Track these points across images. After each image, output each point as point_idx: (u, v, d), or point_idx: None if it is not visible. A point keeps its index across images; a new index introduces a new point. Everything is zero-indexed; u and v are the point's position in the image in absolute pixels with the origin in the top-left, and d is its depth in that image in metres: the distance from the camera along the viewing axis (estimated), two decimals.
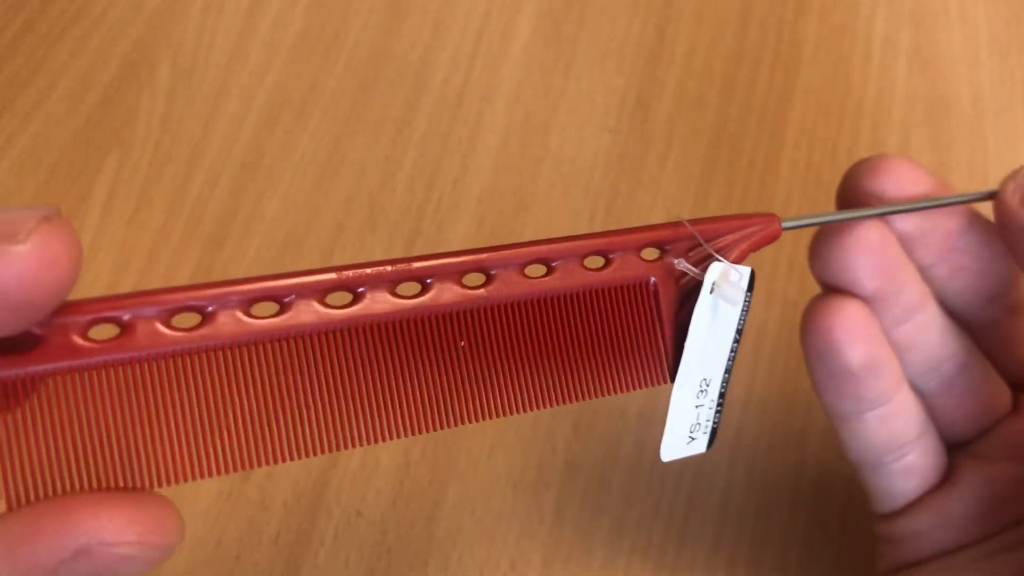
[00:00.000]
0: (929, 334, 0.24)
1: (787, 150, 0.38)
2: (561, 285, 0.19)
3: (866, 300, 0.22)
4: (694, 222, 0.20)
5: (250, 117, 0.39)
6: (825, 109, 0.39)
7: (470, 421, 0.18)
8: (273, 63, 0.40)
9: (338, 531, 0.30)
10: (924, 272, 0.23)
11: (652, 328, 0.20)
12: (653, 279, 0.19)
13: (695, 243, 0.20)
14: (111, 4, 0.42)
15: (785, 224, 0.21)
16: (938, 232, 0.23)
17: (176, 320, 0.17)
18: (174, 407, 0.16)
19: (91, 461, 0.16)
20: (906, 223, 0.23)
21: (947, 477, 0.25)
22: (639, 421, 0.32)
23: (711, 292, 0.20)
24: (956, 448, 0.25)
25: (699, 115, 0.39)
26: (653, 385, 0.20)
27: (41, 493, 0.15)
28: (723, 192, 0.37)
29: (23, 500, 0.15)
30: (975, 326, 0.25)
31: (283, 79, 0.40)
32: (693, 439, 0.21)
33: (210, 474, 0.17)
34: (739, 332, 0.21)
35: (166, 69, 0.40)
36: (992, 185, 0.23)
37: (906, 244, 0.23)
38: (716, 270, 0.20)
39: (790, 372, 0.33)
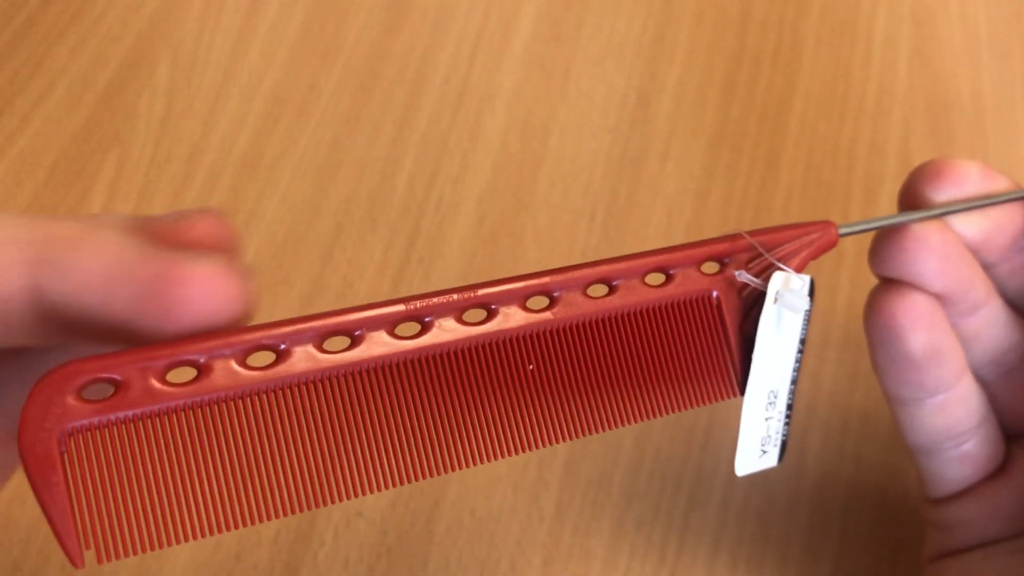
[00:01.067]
0: (993, 327, 0.23)
1: (787, 150, 0.38)
2: (624, 303, 0.19)
3: (935, 296, 0.22)
4: (753, 233, 0.20)
5: (250, 117, 0.39)
6: (825, 109, 0.39)
7: (544, 445, 0.18)
8: (273, 63, 0.40)
9: (338, 531, 0.30)
10: (987, 269, 0.23)
11: (718, 341, 0.20)
12: (715, 292, 0.20)
13: (754, 255, 0.20)
14: (110, 4, 0.42)
15: (842, 231, 0.21)
16: (1004, 235, 0.23)
17: (252, 359, 0.17)
18: (252, 446, 0.17)
19: (173, 503, 0.16)
20: (972, 230, 0.22)
21: (1003, 468, 0.25)
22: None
23: (774, 302, 0.20)
24: (1015, 439, 0.25)
25: (699, 115, 0.39)
26: (724, 399, 0.20)
27: (120, 537, 0.16)
28: (723, 192, 0.37)
29: (104, 542, 0.16)
30: None
31: (283, 79, 0.40)
32: (765, 452, 0.21)
33: (293, 511, 0.17)
34: (802, 342, 0.21)
35: (166, 69, 0.40)
36: None
37: (974, 246, 0.23)
38: (779, 279, 0.20)
39: None
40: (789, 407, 0.21)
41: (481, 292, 0.18)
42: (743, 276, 0.20)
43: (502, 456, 0.18)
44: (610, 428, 0.18)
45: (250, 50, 0.41)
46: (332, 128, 0.39)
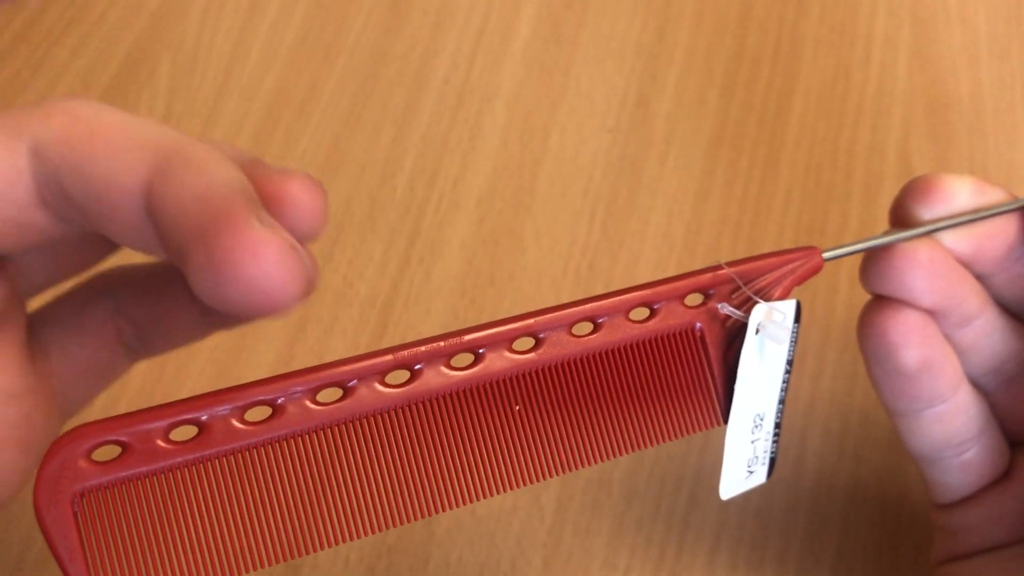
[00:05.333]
0: (990, 337, 0.24)
1: (787, 150, 0.38)
2: (608, 340, 0.19)
3: (926, 311, 0.23)
4: (733, 264, 0.20)
5: (250, 117, 0.39)
6: (825, 109, 0.39)
7: (533, 482, 0.19)
8: (273, 63, 0.40)
9: None
10: (983, 280, 0.24)
11: (702, 372, 0.20)
12: (699, 325, 0.20)
13: (737, 285, 0.20)
14: (111, 4, 0.42)
15: (826, 255, 0.21)
16: (995, 247, 0.23)
17: (248, 415, 0.17)
18: (251, 496, 0.17)
19: (178, 551, 0.17)
20: (961, 244, 0.22)
21: (1007, 474, 0.25)
22: None
23: (756, 332, 0.20)
24: (1019, 446, 0.25)
25: (699, 115, 0.39)
26: (707, 428, 0.20)
27: None
28: (723, 192, 0.37)
29: None
30: None
31: (283, 79, 0.40)
32: (752, 472, 0.21)
33: (288, 558, 0.18)
34: (789, 363, 0.21)
35: (166, 69, 0.40)
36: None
37: (965, 260, 0.23)
38: (760, 311, 0.20)
39: (790, 372, 0.33)
40: (777, 425, 0.21)
41: (467, 338, 0.18)
42: (725, 308, 0.20)
43: (493, 494, 0.18)
44: (597, 462, 0.19)
45: (250, 50, 0.41)
46: (332, 128, 0.39)
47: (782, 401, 0.21)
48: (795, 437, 0.32)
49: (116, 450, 0.17)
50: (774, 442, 0.21)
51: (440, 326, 0.34)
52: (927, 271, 0.22)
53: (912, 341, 0.22)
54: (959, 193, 0.22)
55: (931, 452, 0.24)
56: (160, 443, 0.17)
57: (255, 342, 0.34)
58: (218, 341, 0.34)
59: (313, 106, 0.39)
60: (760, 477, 0.22)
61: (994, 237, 0.23)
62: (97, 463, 0.17)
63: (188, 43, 0.41)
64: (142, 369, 0.34)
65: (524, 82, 0.40)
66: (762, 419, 0.21)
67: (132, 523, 0.17)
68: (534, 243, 0.36)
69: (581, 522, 0.30)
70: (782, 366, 0.21)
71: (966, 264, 0.23)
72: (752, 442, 0.21)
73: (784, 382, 0.21)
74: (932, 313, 0.23)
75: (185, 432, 0.17)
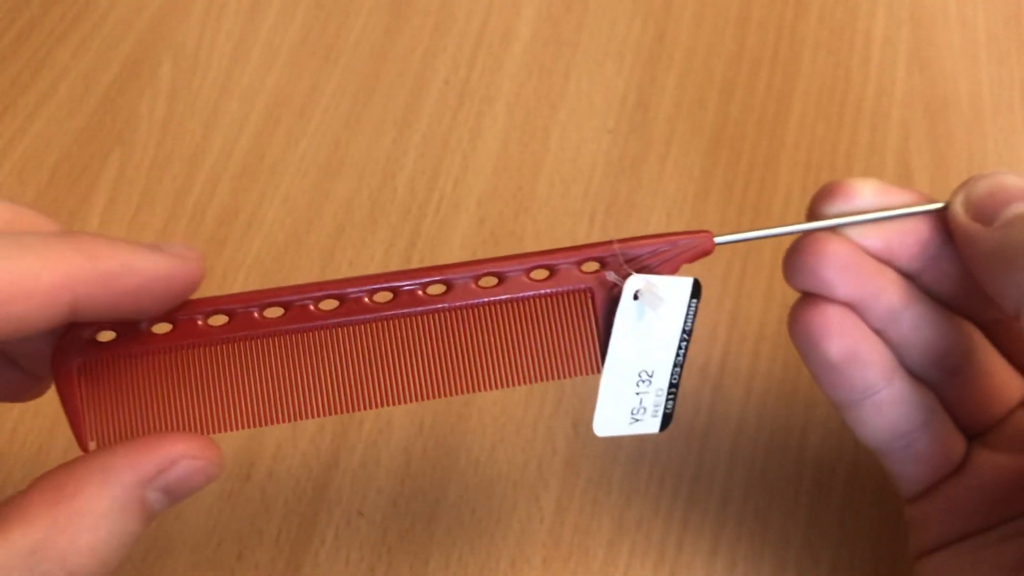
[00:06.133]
0: (922, 330, 0.24)
1: (786, 151, 0.38)
2: (508, 292, 0.23)
3: (843, 304, 0.24)
4: (627, 240, 0.23)
5: (251, 118, 0.39)
6: (824, 110, 0.39)
7: (440, 396, 0.23)
8: (274, 64, 0.41)
9: (339, 530, 0.31)
10: (913, 277, 0.24)
11: (588, 327, 0.23)
12: (590, 288, 0.23)
13: (630, 258, 0.23)
14: (112, 6, 0.42)
15: (718, 240, 0.24)
16: (910, 244, 0.24)
17: (267, 312, 0.22)
18: (260, 368, 0.22)
19: (193, 407, 0.22)
20: (870, 240, 0.24)
21: (960, 466, 0.25)
22: None
23: (635, 299, 0.23)
24: (975, 438, 0.26)
25: (699, 116, 0.39)
26: (587, 374, 0.23)
27: (156, 428, 0.22)
28: (723, 193, 0.37)
29: (103, 436, 0.22)
30: (979, 322, 0.25)
31: (284, 80, 0.40)
32: (638, 420, 0.24)
33: (268, 423, 0.22)
34: (687, 332, 0.24)
35: (167, 70, 0.40)
36: None
37: (880, 256, 0.24)
38: (636, 281, 0.23)
39: (789, 371, 0.33)
40: (673, 385, 0.24)
41: (391, 282, 0.23)
42: (611, 276, 0.23)
43: (409, 400, 0.23)
44: (495, 388, 0.23)
45: (251, 52, 0.41)
46: (333, 129, 0.39)
47: (679, 365, 0.24)
48: (794, 436, 0.32)
49: (111, 334, 0.22)
50: (669, 399, 0.24)
51: None
52: (835, 263, 0.23)
53: (833, 332, 0.23)
54: (862, 192, 0.23)
55: (880, 443, 0.25)
56: (201, 323, 0.22)
57: None
58: None
59: (314, 107, 0.39)
60: (650, 427, 0.24)
61: (905, 234, 0.24)
62: (97, 342, 0.22)
63: (189, 44, 0.41)
64: None
65: (524, 83, 0.40)
66: (651, 375, 0.24)
67: (119, 386, 0.22)
68: (534, 243, 0.36)
69: (581, 521, 0.31)
70: (678, 332, 0.23)
71: (883, 259, 0.24)
72: (637, 394, 0.24)
73: (680, 347, 0.24)
74: (852, 306, 0.24)
75: (163, 327, 0.22)
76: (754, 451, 0.32)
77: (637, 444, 0.32)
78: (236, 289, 0.35)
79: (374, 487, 0.31)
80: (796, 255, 0.24)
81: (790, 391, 0.33)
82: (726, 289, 0.35)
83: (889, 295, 0.24)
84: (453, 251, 0.36)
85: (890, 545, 0.30)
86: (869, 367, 0.24)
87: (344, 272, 0.35)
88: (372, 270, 0.35)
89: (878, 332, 0.24)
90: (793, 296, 0.34)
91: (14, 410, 0.33)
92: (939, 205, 0.24)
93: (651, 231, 0.36)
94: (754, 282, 0.35)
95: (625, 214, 0.36)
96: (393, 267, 0.35)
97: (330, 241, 0.36)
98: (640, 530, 0.30)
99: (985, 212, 0.22)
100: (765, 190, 0.37)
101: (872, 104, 0.39)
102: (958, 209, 0.23)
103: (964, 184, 0.23)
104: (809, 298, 0.24)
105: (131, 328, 0.22)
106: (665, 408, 0.24)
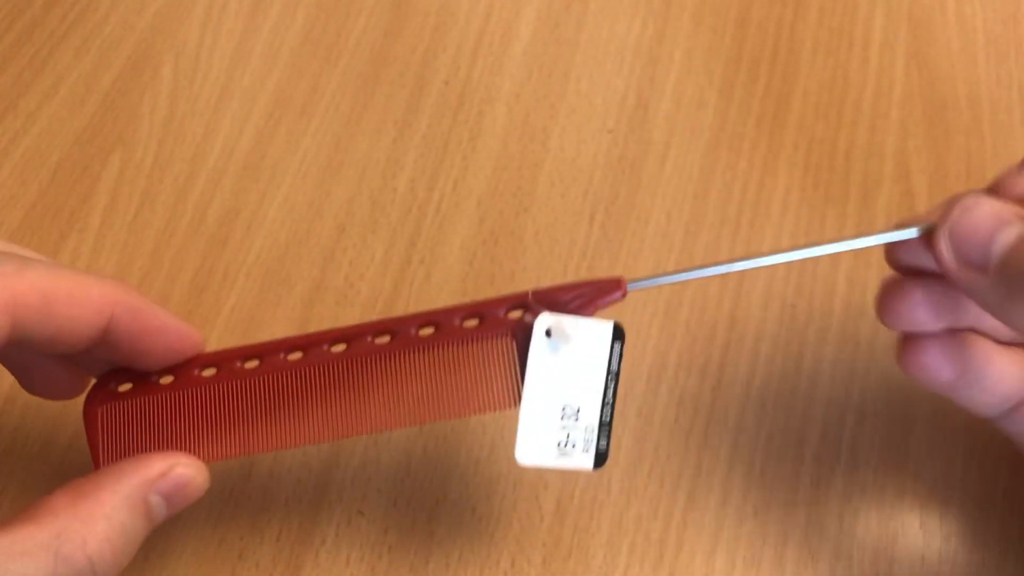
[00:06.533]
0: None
1: (785, 151, 0.38)
2: (443, 338, 0.26)
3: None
4: (543, 290, 0.25)
5: (252, 118, 0.39)
6: (823, 111, 0.39)
7: (380, 430, 0.26)
8: (275, 65, 0.41)
9: (339, 530, 0.31)
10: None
11: (510, 365, 0.25)
12: (513, 332, 0.25)
13: (552, 304, 0.25)
14: (114, 6, 0.42)
15: (630, 286, 0.25)
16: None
17: (247, 364, 0.26)
18: (239, 407, 0.26)
19: (188, 437, 0.26)
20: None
21: None
22: (638, 420, 0.32)
23: (548, 335, 0.25)
24: None
25: (698, 117, 0.39)
26: (507, 408, 0.25)
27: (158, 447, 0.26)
28: (722, 193, 0.37)
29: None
30: None
31: (284, 81, 0.40)
32: (566, 454, 0.26)
33: (261, 451, 0.26)
34: (613, 373, 0.26)
35: (168, 71, 0.41)
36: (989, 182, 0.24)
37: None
38: (545, 319, 0.25)
39: (787, 371, 0.33)
40: (606, 423, 0.26)
41: (339, 329, 0.26)
42: (527, 318, 0.25)
43: (358, 433, 0.26)
44: (430, 422, 0.25)
45: (252, 52, 0.41)
46: (333, 129, 0.39)
47: (609, 404, 0.26)
48: (793, 436, 0.32)
49: (129, 385, 0.27)
50: (602, 437, 0.26)
51: None
52: (920, 303, 0.25)
53: (939, 365, 0.25)
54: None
55: (997, 413, 0.26)
56: (153, 382, 0.26)
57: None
58: (222, 342, 0.34)
59: (314, 107, 0.39)
60: (581, 463, 0.26)
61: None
62: (119, 392, 0.26)
63: (190, 45, 0.41)
64: None
65: (524, 83, 0.40)
66: (577, 411, 0.26)
67: (131, 423, 0.26)
68: (534, 243, 0.36)
69: (580, 521, 0.31)
70: (602, 372, 0.26)
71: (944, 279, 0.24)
72: (563, 428, 0.25)
73: (607, 388, 0.26)
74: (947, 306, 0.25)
75: (167, 378, 0.26)
76: (753, 451, 0.32)
77: (636, 444, 0.32)
78: (237, 289, 0.35)
79: (374, 486, 0.31)
80: (883, 307, 0.26)
81: (788, 391, 0.33)
82: (725, 289, 0.35)
83: (966, 311, 0.25)
84: (453, 251, 0.36)
85: (889, 545, 0.30)
86: (975, 378, 0.26)
87: (345, 272, 0.35)
88: (373, 269, 0.36)
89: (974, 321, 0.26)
90: (795, 295, 0.35)
91: (16, 409, 0.33)
92: (914, 233, 0.24)
93: (651, 231, 0.36)
94: (752, 282, 0.35)
95: (625, 214, 0.37)
96: (394, 267, 0.36)
97: (331, 241, 0.36)
98: (639, 530, 0.31)
99: (974, 255, 0.22)
100: (764, 190, 0.37)
101: (871, 105, 0.39)
102: (946, 255, 0.23)
103: (944, 217, 0.23)
104: (906, 338, 0.26)
105: (144, 379, 0.26)
106: (598, 446, 0.26)
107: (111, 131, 0.39)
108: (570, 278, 0.35)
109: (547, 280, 0.35)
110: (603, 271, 0.35)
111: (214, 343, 0.34)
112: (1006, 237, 0.21)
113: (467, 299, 0.27)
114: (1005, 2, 0.42)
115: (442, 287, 0.35)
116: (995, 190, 0.24)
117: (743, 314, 0.34)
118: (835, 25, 0.42)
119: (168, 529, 0.31)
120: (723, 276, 0.35)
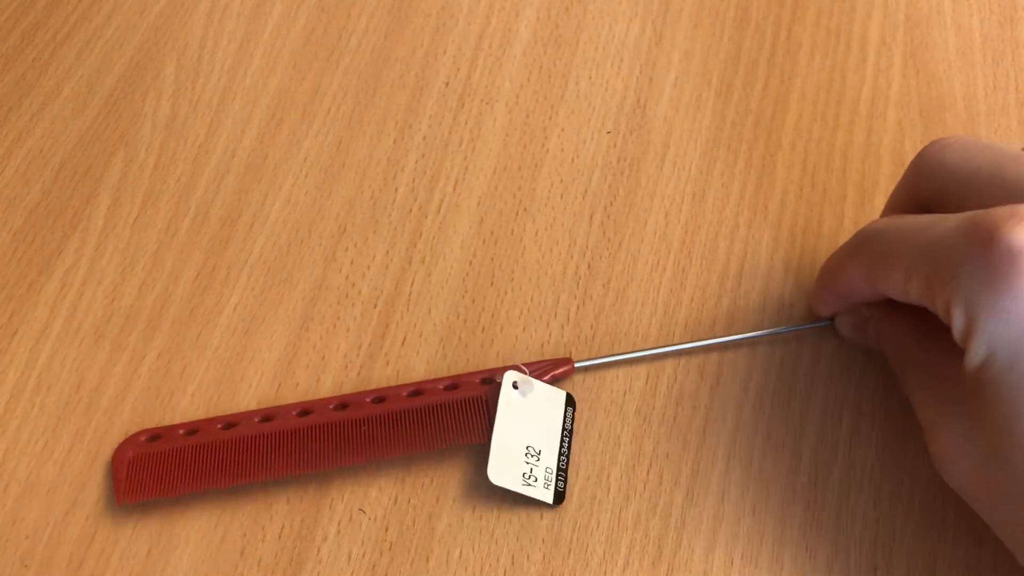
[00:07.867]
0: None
1: (783, 152, 0.38)
2: (428, 401, 0.32)
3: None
4: (512, 367, 0.33)
5: (254, 119, 0.39)
6: (821, 111, 0.39)
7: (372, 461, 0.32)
8: (276, 66, 0.41)
9: (340, 527, 0.31)
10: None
11: (483, 417, 0.32)
12: (486, 394, 0.32)
13: (518, 370, 0.32)
14: (116, 7, 0.42)
15: (577, 364, 0.33)
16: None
17: (224, 428, 0.32)
18: (213, 463, 0.32)
19: (196, 474, 0.32)
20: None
21: None
22: (637, 418, 0.33)
23: (514, 388, 0.32)
24: None
25: (696, 117, 0.39)
26: (479, 442, 0.31)
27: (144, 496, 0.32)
28: (720, 194, 0.37)
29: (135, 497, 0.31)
30: None
31: (286, 82, 0.40)
32: (530, 484, 0.31)
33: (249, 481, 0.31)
34: (567, 431, 0.32)
35: (171, 72, 0.41)
36: None
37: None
38: (509, 376, 0.32)
39: (786, 371, 0.33)
40: (562, 470, 0.31)
41: (342, 397, 0.33)
42: (498, 378, 0.32)
43: (354, 464, 0.32)
44: (417, 453, 0.32)
45: (254, 53, 0.41)
46: (335, 130, 0.39)
47: (564, 455, 0.31)
48: (791, 434, 0.32)
49: (157, 436, 0.32)
50: (559, 480, 0.31)
51: (441, 325, 0.34)
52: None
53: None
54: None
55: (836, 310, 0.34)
56: (180, 433, 0.32)
57: (259, 342, 0.34)
58: (224, 341, 0.34)
59: (316, 108, 0.40)
60: (543, 496, 0.31)
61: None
62: (147, 443, 0.32)
63: (192, 46, 0.41)
64: (149, 366, 0.34)
65: (524, 84, 0.40)
66: (538, 453, 0.31)
67: (154, 469, 0.32)
68: (534, 243, 0.36)
69: (580, 518, 0.31)
70: (559, 427, 0.32)
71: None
72: (527, 463, 0.31)
73: (562, 441, 0.32)
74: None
75: (189, 430, 0.32)
76: (751, 449, 0.32)
77: (635, 442, 0.32)
78: (239, 288, 0.35)
79: (376, 484, 0.32)
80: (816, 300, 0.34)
81: (787, 390, 0.33)
82: (723, 289, 0.35)
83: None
84: (453, 251, 0.36)
85: (888, 543, 0.30)
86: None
87: (346, 272, 0.36)
88: (374, 269, 0.36)
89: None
90: (793, 294, 0.35)
91: (18, 409, 0.33)
92: (824, 322, 0.33)
93: (649, 231, 0.36)
94: (751, 282, 0.35)
95: (624, 214, 0.37)
96: (394, 267, 0.36)
97: (332, 241, 0.36)
98: (638, 527, 0.31)
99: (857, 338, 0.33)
100: (762, 190, 0.37)
101: (868, 105, 0.40)
102: (841, 326, 0.33)
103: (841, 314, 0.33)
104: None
105: (171, 432, 0.32)
106: (556, 486, 0.31)
107: (114, 132, 0.39)
108: (570, 278, 0.35)
109: (547, 280, 0.35)
110: (602, 271, 0.35)
111: (216, 343, 0.34)
112: (842, 328, 0.33)
113: (446, 374, 0.34)
114: (1002, 4, 0.43)
115: (443, 287, 0.35)
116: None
117: (740, 314, 0.35)
118: (832, 26, 0.42)
119: (170, 526, 0.31)
120: (721, 276, 0.35)
